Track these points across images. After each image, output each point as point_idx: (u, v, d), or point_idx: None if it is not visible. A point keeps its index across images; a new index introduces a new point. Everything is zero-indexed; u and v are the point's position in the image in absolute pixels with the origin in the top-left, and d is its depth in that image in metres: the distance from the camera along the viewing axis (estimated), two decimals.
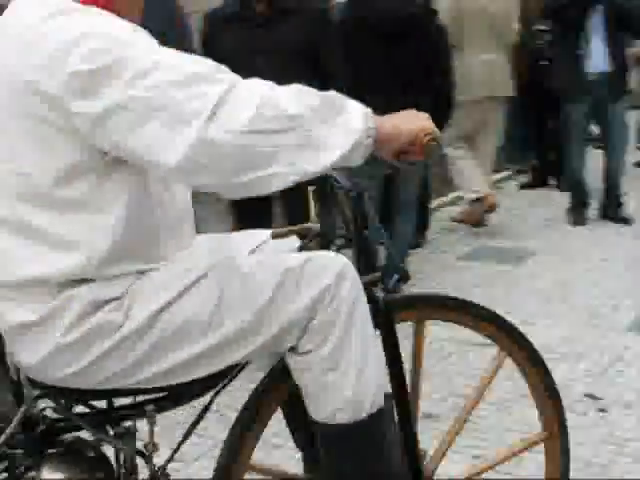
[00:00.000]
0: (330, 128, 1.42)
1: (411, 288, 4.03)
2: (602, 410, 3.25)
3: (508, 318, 1.99)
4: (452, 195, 6.60)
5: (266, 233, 1.83)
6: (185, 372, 1.56)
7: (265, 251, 1.75)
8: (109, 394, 1.62)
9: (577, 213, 5.96)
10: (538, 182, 7.16)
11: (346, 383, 1.57)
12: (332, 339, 1.56)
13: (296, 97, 1.43)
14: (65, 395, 1.59)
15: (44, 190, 1.45)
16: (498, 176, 7.14)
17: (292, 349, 1.59)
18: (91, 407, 1.67)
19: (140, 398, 1.65)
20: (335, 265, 1.57)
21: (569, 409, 2.48)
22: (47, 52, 1.39)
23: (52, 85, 1.38)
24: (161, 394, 1.62)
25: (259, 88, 1.41)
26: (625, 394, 3.37)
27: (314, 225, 1.82)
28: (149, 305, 1.50)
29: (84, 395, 1.61)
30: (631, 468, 2.79)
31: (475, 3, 5.44)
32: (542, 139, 7.03)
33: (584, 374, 3.60)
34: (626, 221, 5.89)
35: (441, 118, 3.73)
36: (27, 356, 1.53)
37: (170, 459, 1.71)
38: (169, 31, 3.06)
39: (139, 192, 1.52)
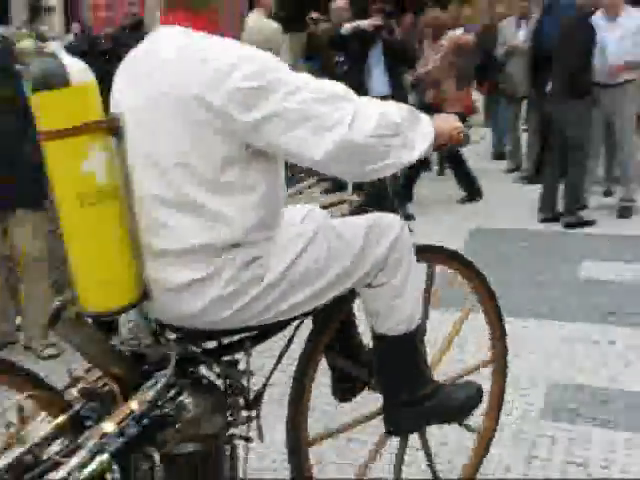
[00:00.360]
0: (415, 132, 2.01)
1: None
2: None
3: None
4: None
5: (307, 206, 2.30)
6: (304, 306, 2.12)
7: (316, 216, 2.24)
8: (225, 333, 2.15)
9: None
10: None
11: (407, 304, 2.26)
12: (400, 273, 2.22)
13: (396, 110, 2.00)
14: (197, 336, 2.12)
15: (209, 177, 1.90)
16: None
17: (367, 285, 2.21)
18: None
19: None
20: (397, 220, 2.25)
21: None
22: (210, 72, 1.84)
23: (216, 98, 1.83)
24: (254, 332, 2.18)
25: (375, 104, 1.98)
26: None
27: (351, 197, 2.56)
28: (280, 262, 2.02)
29: (211, 335, 2.14)
30: None
31: None
32: None
33: None
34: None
35: None
36: (188, 307, 1.99)
37: (266, 384, 2.27)
38: None
39: (272, 176, 2.02)
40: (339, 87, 1.95)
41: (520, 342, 4.09)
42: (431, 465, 2.69)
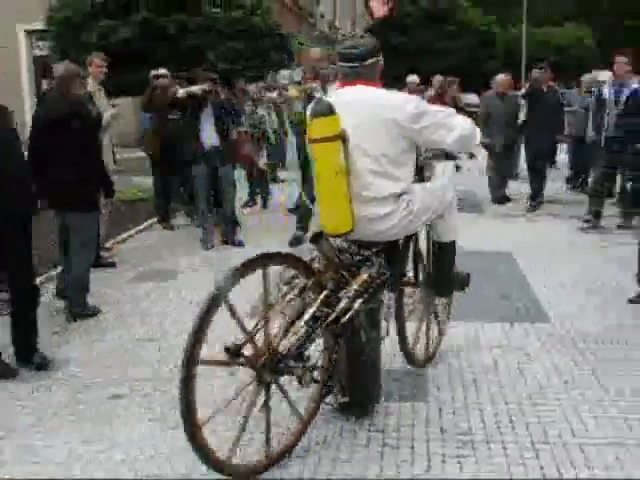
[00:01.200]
0: (475, 132, 3.89)
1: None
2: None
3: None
4: None
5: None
6: (419, 227, 3.98)
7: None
8: (385, 244, 3.84)
9: (207, 240, 8.01)
10: None
11: (453, 225, 4.22)
12: (452, 211, 4.17)
13: (470, 122, 3.86)
14: (374, 245, 3.75)
15: (395, 158, 3.63)
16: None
17: (439, 217, 4.06)
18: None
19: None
20: (451, 182, 4.18)
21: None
22: (395, 105, 3.61)
23: (402, 119, 3.57)
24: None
25: (461, 118, 3.82)
26: None
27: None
28: (417, 202, 3.73)
29: (379, 244, 3.79)
30: None
31: None
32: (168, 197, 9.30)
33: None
34: (240, 244, 8.03)
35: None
36: (380, 228, 3.67)
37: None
38: None
39: (413, 159, 3.79)
40: (450, 110, 3.84)
41: None
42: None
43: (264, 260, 3.34)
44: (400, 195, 3.65)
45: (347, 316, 3.49)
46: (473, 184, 11.84)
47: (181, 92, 7.61)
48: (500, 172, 10.92)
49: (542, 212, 10.01)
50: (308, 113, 3.60)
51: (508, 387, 4.25)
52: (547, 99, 10.27)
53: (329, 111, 3.49)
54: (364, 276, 3.62)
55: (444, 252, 4.30)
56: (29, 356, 4.62)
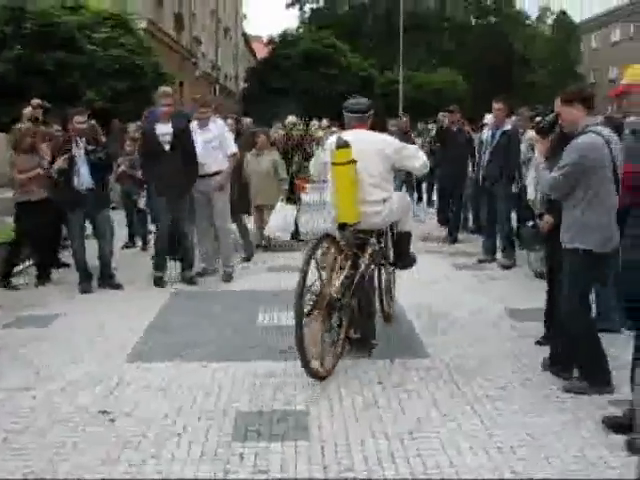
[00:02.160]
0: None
1: None
2: (112, 420, 4.38)
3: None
4: None
5: None
6: (395, 218, 5.86)
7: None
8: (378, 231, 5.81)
9: (85, 285, 7.73)
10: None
11: (409, 221, 6.22)
12: (409, 212, 6.09)
13: (421, 152, 5.96)
14: (372, 232, 5.63)
15: (384, 177, 5.55)
16: None
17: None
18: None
19: None
20: (408, 196, 6.51)
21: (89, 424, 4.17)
22: (385, 142, 5.63)
23: (389, 151, 5.53)
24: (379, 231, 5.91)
25: (418, 151, 5.88)
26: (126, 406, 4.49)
27: None
28: (394, 204, 5.62)
29: (376, 232, 5.72)
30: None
31: None
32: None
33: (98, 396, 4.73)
34: (118, 287, 7.83)
35: None
36: (376, 220, 5.50)
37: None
38: None
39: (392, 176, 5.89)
40: (415, 147, 6.17)
41: (211, 380, 4.90)
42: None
43: (326, 237, 5.26)
44: (385, 200, 5.53)
45: (366, 276, 5.44)
46: None
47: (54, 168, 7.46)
48: None
49: (419, 248, 10.31)
50: (333, 146, 5.35)
51: (389, 422, 4.34)
52: (457, 138, 10.96)
53: (347, 145, 5.26)
54: (369, 250, 5.55)
55: (405, 238, 6.05)
56: None
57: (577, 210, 4.66)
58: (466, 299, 7.27)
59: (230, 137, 8.43)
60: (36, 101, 9.79)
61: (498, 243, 9.19)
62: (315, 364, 4.93)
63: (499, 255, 9.12)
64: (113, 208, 10.53)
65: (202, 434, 4.17)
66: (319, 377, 4.94)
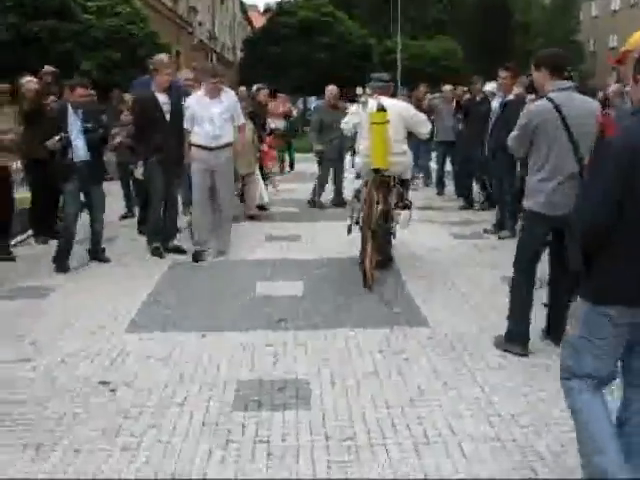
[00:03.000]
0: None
1: None
2: (112, 390, 4.36)
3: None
4: None
5: None
6: (409, 168, 7.69)
7: None
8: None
9: (61, 262, 7.36)
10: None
11: (409, 170, 7.92)
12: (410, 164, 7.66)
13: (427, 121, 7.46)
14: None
15: (404, 134, 6.99)
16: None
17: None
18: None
19: None
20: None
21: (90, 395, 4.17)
22: (404, 107, 7.22)
23: (407, 115, 7.04)
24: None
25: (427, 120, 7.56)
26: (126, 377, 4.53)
27: None
28: (409, 156, 7.30)
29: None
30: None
31: None
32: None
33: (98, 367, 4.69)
34: (107, 261, 7.69)
35: None
36: (399, 168, 7.01)
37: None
38: None
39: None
40: (424, 115, 7.42)
41: (210, 350, 4.89)
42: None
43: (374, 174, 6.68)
44: (405, 152, 6.93)
45: (390, 211, 6.89)
46: None
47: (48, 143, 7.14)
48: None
49: (417, 217, 10.28)
50: (374, 109, 6.51)
51: (390, 391, 4.33)
52: (481, 109, 10.24)
53: (384, 109, 6.49)
54: (394, 191, 6.89)
55: (406, 184, 7.41)
56: None
57: (532, 172, 4.85)
58: (466, 268, 7.25)
59: (240, 108, 8.22)
60: (50, 68, 9.56)
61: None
62: (369, 275, 6.49)
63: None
64: (111, 179, 10.53)
65: (203, 404, 4.16)
66: (368, 286, 6.44)
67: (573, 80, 5.62)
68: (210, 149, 7.67)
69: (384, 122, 6.49)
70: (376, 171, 6.61)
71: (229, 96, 7.94)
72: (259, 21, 50.58)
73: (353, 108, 7.33)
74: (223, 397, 4.25)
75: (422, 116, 7.26)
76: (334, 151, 11.13)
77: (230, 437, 3.80)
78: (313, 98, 36.66)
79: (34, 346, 5.14)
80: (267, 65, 35.56)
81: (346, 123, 7.38)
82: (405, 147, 6.96)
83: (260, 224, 9.78)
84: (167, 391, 4.34)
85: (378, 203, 6.59)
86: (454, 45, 45.00)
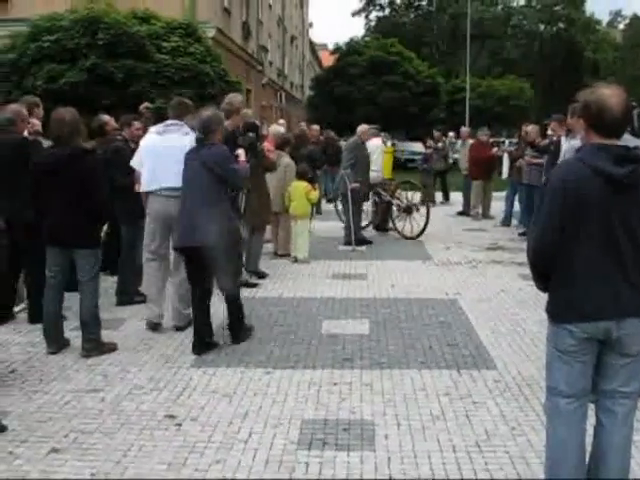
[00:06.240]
0: None
1: None
2: (178, 425, 4.38)
3: None
4: None
5: None
6: None
7: None
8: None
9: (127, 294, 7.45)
10: None
11: None
12: None
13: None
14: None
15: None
16: None
17: None
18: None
19: None
20: None
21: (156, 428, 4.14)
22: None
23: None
24: None
25: None
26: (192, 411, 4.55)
27: None
28: None
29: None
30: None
31: None
32: None
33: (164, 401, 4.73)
34: None
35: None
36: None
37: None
38: None
39: None
40: None
41: (275, 387, 4.90)
42: None
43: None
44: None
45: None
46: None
47: None
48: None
49: (485, 258, 10.18)
50: (386, 146, 12.81)
51: (456, 434, 4.25)
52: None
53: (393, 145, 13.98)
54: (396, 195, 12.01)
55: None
56: None
57: None
58: (535, 310, 7.11)
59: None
60: (145, 104, 9.80)
61: None
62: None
63: None
64: None
65: (267, 441, 4.15)
66: None
67: None
68: None
69: (390, 152, 12.54)
70: (389, 179, 12.19)
71: None
72: (328, 60, 51.26)
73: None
74: (287, 435, 4.24)
75: None
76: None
77: (293, 475, 3.78)
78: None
79: (104, 377, 5.24)
80: (335, 103, 35.97)
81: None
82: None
83: (326, 262, 9.81)
84: (232, 427, 4.35)
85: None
86: (523, 84, 44.74)
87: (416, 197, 12.90)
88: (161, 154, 6.32)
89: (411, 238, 11.83)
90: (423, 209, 11.92)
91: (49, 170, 5.56)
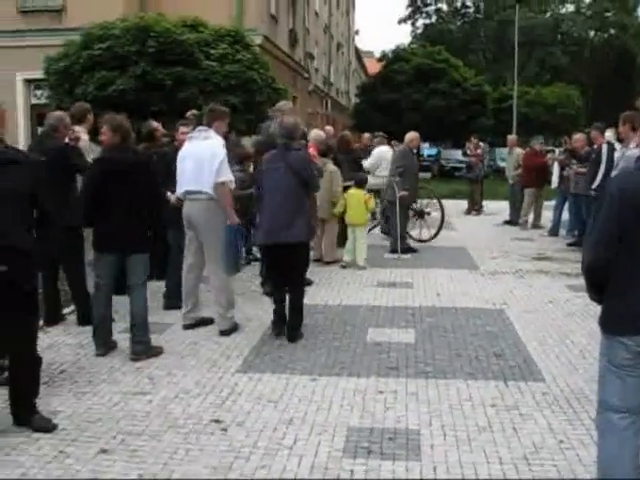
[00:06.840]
0: None
1: None
2: (224, 429, 4.40)
3: None
4: None
5: None
6: None
7: None
8: None
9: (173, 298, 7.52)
10: None
11: None
12: None
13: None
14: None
15: None
16: None
17: None
18: None
19: None
20: None
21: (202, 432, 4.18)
22: None
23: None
24: None
25: None
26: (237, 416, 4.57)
27: None
28: None
29: None
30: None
31: None
32: None
33: (210, 405, 4.77)
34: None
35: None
36: None
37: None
38: None
39: None
40: None
41: (321, 394, 4.90)
42: None
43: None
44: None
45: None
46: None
47: None
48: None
49: (532, 268, 10.05)
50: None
51: (503, 446, 4.20)
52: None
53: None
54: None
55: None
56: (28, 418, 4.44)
57: None
58: (583, 321, 6.99)
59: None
60: (192, 111, 9.93)
61: None
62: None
63: None
64: None
65: (312, 447, 4.15)
66: None
67: None
68: None
69: None
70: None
71: None
72: (374, 67, 51.22)
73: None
74: (333, 442, 4.23)
75: None
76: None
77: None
78: (427, 144, 36.74)
79: (151, 380, 5.30)
80: (381, 110, 35.91)
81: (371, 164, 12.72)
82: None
83: (371, 269, 9.79)
84: (277, 433, 4.36)
85: None
86: (571, 91, 44.12)
87: (431, 203, 13.03)
88: (184, 159, 6.59)
89: (423, 241, 12.20)
90: (435, 213, 12.62)
91: (119, 171, 5.62)
